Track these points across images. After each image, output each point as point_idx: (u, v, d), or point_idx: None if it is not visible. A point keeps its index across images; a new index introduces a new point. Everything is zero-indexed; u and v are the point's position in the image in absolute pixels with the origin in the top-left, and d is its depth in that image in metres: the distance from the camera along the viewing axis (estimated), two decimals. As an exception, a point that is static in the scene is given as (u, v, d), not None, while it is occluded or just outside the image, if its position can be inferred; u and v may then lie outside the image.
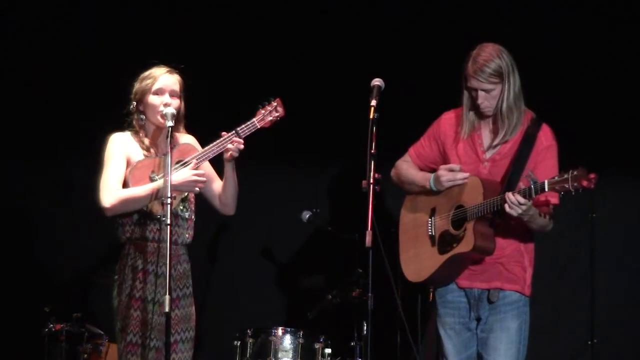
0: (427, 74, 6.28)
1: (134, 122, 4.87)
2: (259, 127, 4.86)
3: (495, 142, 4.88)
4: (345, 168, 6.39)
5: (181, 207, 4.83)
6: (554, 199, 4.76)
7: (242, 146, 4.80)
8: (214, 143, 4.78)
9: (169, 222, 4.45)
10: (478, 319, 4.92)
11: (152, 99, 4.82)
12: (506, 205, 4.63)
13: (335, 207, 6.46)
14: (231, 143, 4.78)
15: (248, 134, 4.84)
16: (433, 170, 5.01)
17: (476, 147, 4.92)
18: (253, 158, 6.48)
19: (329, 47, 6.50)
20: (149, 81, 4.84)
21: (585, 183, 4.44)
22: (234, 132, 4.80)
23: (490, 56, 4.79)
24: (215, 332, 6.44)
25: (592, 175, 4.44)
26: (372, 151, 4.45)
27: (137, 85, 4.87)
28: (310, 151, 6.49)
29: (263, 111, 4.88)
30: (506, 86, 4.79)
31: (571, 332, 6.28)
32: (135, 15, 6.51)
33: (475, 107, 4.89)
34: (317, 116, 6.48)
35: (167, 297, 4.34)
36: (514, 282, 4.88)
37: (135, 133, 4.85)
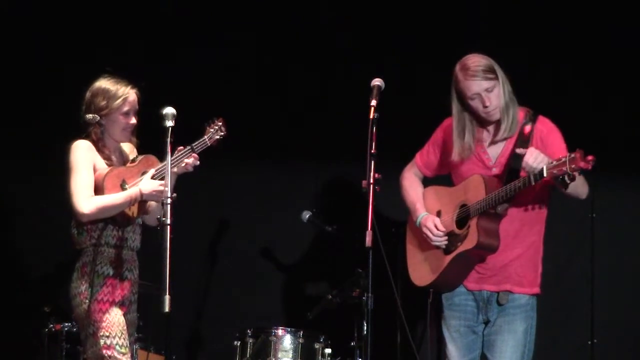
0: (428, 74, 6.28)
1: (93, 134, 4.92)
2: (209, 144, 4.98)
3: (497, 138, 4.89)
4: (345, 168, 6.39)
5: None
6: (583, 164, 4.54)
7: (197, 162, 4.93)
8: (174, 157, 4.84)
9: (169, 222, 4.46)
10: (486, 322, 4.93)
11: (120, 118, 4.92)
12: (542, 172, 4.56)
13: (335, 207, 6.46)
14: (189, 158, 4.90)
15: (200, 150, 4.95)
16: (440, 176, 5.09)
17: (481, 157, 4.93)
18: (253, 158, 6.53)
19: (329, 47, 6.51)
20: (118, 102, 4.90)
21: (582, 164, 4.44)
22: (190, 147, 4.92)
23: (478, 58, 4.83)
24: (215, 332, 6.45)
25: (589, 157, 4.45)
26: (372, 151, 4.45)
27: (102, 102, 4.90)
28: (310, 151, 6.49)
29: (211, 130, 5.00)
30: (500, 82, 4.81)
31: (571, 332, 6.28)
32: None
33: (473, 120, 4.89)
34: (317, 116, 6.48)
35: (167, 297, 4.35)
36: (523, 285, 4.89)
37: (94, 142, 4.92)
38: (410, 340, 5.04)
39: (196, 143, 4.95)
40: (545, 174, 4.55)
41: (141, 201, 4.88)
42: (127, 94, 4.92)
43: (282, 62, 6.55)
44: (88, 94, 4.94)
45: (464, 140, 4.90)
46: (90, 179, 4.84)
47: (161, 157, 4.88)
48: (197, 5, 6.59)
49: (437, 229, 4.97)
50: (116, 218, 4.86)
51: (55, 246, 6.45)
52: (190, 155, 4.91)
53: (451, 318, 4.99)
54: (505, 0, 6.34)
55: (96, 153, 4.91)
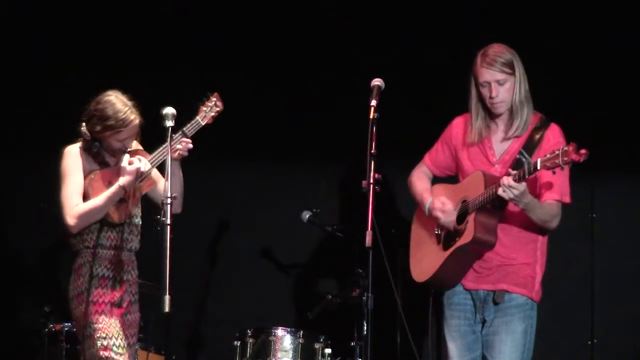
0: (428, 74, 6.28)
1: (85, 144, 4.88)
2: (202, 124, 4.94)
3: (509, 135, 4.90)
4: (345, 168, 6.39)
5: (135, 213, 4.94)
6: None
7: (190, 145, 4.88)
8: (164, 146, 4.78)
9: (169, 222, 4.46)
10: (483, 322, 4.93)
11: (114, 143, 4.85)
12: (500, 189, 4.64)
13: (335, 207, 6.46)
14: (179, 143, 4.85)
15: (193, 132, 4.91)
16: (450, 177, 5.10)
17: (486, 151, 4.94)
18: (253, 158, 6.53)
19: (329, 47, 6.51)
20: (112, 132, 4.80)
21: (575, 157, 4.46)
22: (180, 132, 4.87)
23: (500, 50, 4.88)
24: (215, 332, 6.45)
25: (582, 151, 4.47)
26: (372, 151, 4.45)
27: (97, 126, 4.80)
28: (310, 151, 6.49)
29: (205, 108, 4.97)
30: (517, 78, 4.84)
31: (571, 332, 6.28)
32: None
33: (485, 109, 4.90)
34: (318, 116, 6.48)
35: (167, 297, 4.35)
36: (521, 285, 4.89)
37: (85, 149, 4.89)
38: (410, 340, 5.04)
39: (187, 126, 4.90)
40: (539, 167, 4.57)
41: (134, 195, 4.85)
42: (125, 125, 4.80)
43: (282, 61, 6.55)
44: (91, 108, 4.86)
45: (478, 123, 4.92)
46: (79, 186, 4.82)
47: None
48: (197, 5, 6.59)
49: (446, 205, 4.95)
50: (108, 219, 4.83)
51: (55, 246, 6.47)
52: (181, 140, 4.86)
53: (451, 317, 4.99)
54: (505, 0, 6.34)
55: (87, 157, 4.88)
